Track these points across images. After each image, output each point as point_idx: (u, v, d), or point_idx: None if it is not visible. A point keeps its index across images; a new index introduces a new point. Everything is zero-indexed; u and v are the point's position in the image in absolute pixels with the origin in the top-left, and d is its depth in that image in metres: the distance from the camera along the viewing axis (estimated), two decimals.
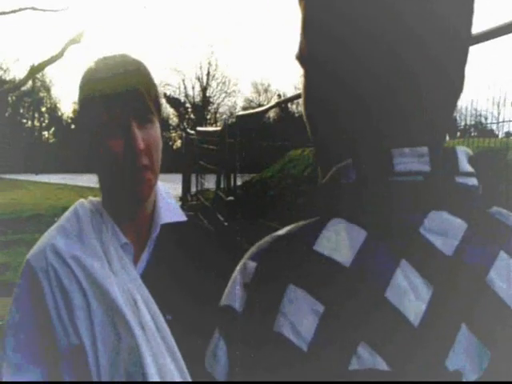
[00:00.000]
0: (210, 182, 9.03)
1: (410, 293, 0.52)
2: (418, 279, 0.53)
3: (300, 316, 0.52)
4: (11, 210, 12.62)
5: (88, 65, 1.09)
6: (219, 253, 1.23)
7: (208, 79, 45.14)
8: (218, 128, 8.67)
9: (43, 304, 1.04)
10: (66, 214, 1.14)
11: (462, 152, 0.59)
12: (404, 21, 0.56)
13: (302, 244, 0.56)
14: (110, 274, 1.03)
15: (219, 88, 45.64)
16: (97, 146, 1.05)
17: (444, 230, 0.55)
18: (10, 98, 38.84)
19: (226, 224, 5.84)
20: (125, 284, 1.03)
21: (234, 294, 0.57)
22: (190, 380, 1.01)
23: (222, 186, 7.10)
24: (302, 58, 0.66)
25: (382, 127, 0.58)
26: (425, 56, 0.57)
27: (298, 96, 5.05)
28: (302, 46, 0.65)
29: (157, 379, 0.97)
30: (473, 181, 0.58)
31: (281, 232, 0.59)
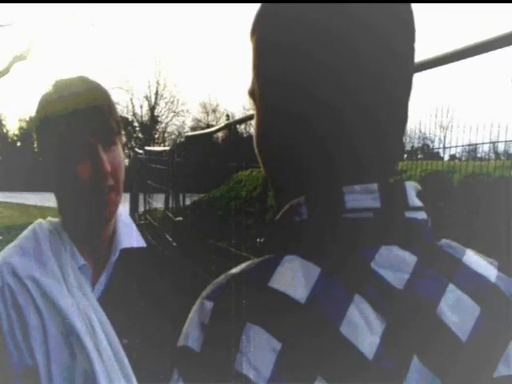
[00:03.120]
0: (158, 202, 8.95)
1: (364, 327, 0.53)
2: (372, 313, 0.54)
3: (258, 354, 0.52)
4: None
5: (46, 88, 1.08)
6: (175, 280, 1.23)
7: (156, 98, 44.84)
8: (167, 148, 8.64)
9: None
10: (25, 233, 1.13)
11: (411, 187, 0.61)
12: (356, 56, 0.57)
13: (258, 281, 0.56)
14: (67, 296, 1.02)
15: (167, 107, 45.37)
16: (60, 167, 1.04)
17: (394, 264, 0.56)
18: None
19: (174, 244, 5.81)
20: (82, 306, 1.02)
21: (191, 334, 0.57)
22: None
23: (170, 205, 7.06)
24: (253, 93, 0.67)
25: (333, 165, 0.60)
26: (377, 89, 0.58)
27: (247, 118, 5.11)
28: (255, 81, 0.66)
29: None
30: (422, 215, 0.60)
31: (235, 270, 0.59)
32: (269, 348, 0.52)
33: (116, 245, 1.13)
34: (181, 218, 5.94)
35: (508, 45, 1.76)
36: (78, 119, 1.02)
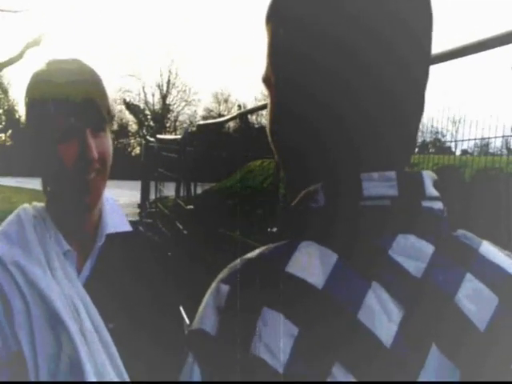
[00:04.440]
0: (169, 190, 8.96)
1: (382, 314, 0.53)
2: (390, 301, 0.54)
3: (275, 338, 0.52)
4: None
5: (39, 66, 1.07)
6: (163, 264, 1.23)
7: (168, 87, 44.83)
8: (178, 136, 8.65)
9: None
10: (9, 218, 1.11)
11: (428, 176, 0.60)
12: (379, 38, 0.57)
13: (275, 266, 0.56)
14: (51, 281, 1.01)
15: (179, 96, 45.38)
16: (46, 150, 1.03)
17: (412, 253, 0.56)
18: None
19: (185, 232, 5.84)
20: (67, 292, 1.01)
21: (206, 317, 0.56)
22: None
23: (181, 194, 7.08)
24: (268, 81, 0.66)
25: (351, 151, 0.60)
26: (399, 73, 0.58)
27: (259, 108, 5.10)
28: (270, 68, 0.65)
29: None
30: (438, 205, 0.60)
31: (252, 255, 0.59)
32: (286, 333, 0.52)
33: (102, 230, 1.13)
34: (192, 207, 5.97)
35: None
36: (69, 101, 1.01)
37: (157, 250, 1.25)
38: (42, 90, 1.03)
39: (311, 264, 0.55)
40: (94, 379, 0.96)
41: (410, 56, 0.59)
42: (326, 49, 0.58)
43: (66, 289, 1.01)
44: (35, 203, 1.14)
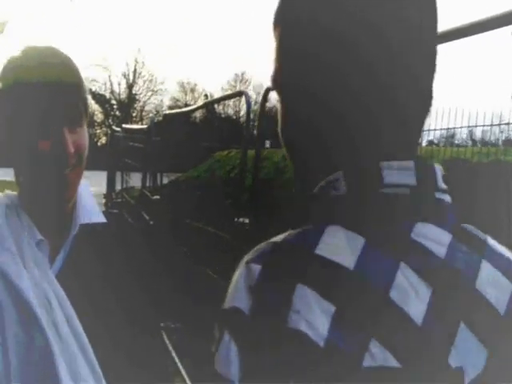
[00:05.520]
0: (135, 180, 8.91)
1: (411, 293, 0.54)
2: (418, 281, 0.55)
3: (313, 314, 0.52)
4: None
5: (14, 52, 1.03)
6: (137, 254, 1.23)
7: (134, 77, 44.40)
8: (145, 126, 8.59)
9: None
10: None
11: (439, 169, 0.63)
12: (381, 35, 0.59)
13: (303, 249, 0.57)
14: (23, 272, 0.98)
15: (145, 86, 44.99)
16: (21, 142, 1.00)
17: (433, 238, 0.58)
18: None
19: (151, 223, 5.81)
20: (39, 282, 0.99)
21: (239, 296, 0.56)
22: (102, 381, 1.00)
23: (147, 184, 7.04)
24: (277, 85, 0.68)
25: (370, 142, 0.61)
26: (403, 69, 0.60)
27: (225, 97, 5.10)
28: (278, 73, 0.67)
29: (68, 380, 0.95)
30: (448, 197, 0.63)
31: (277, 239, 0.59)
32: (322, 310, 0.52)
33: (76, 220, 1.10)
34: (158, 197, 5.94)
35: (506, 25, 1.75)
36: (46, 95, 0.98)
37: (129, 240, 1.25)
38: (17, 79, 0.99)
39: (340, 246, 0.56)
40: (65, 371, 0.95)
41: (418, 57, 0.61)
42: (333, 50, 0.60)
43: (37, 279, 0.99)
44: (7, 191, 1.11)
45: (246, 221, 3.82)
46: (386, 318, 0.53)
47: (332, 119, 0.62)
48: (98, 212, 1.18)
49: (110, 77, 47.00)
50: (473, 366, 0.55)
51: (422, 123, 0.65)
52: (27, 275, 0.98)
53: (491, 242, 0.65)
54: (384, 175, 0.59)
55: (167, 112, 7.74)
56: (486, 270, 0.60)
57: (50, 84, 0.98)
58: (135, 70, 44.21)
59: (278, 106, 0.68)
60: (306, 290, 0.53)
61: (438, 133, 3.06)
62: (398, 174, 0.60)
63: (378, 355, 0.51)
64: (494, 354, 0.56)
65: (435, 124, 2.92)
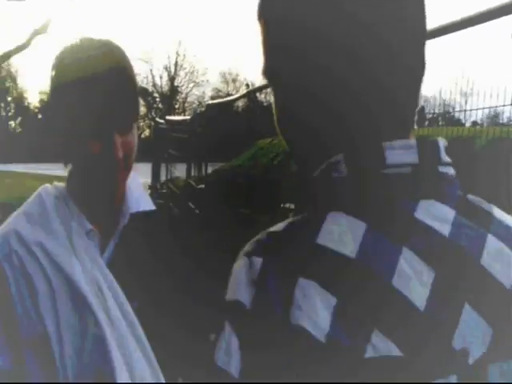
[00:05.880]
0: (179, 171, 8.99)
1: (414, 279, 0.54)
2: (420, 264, 0.55)
3: (314, 308, 0.52)
4: None
5: (69, 45, 1.04)
6: (186, 241, 1.24)
7: (176, 69, 44.70)
8: (188, 117, 8.66)
9: (7, 291, 1.00)
10: (30, 199, 1.10)
11: (442, 142, 0.62)
12: (361, 22, 0.58)
13: (304, 238, 0.57)
14: (74, 261, 1.00)
15: (187, 78, 45.22)
16: (74, 140, 1.01)
17: (436, 215, 0.58)
18: None
19: (197, 212, 5.87)
20: (90, 271, 1.01)
21: (240, 290, 0.56)
22: (157, 368, 1.01)
23: (192, 174, 7.11)
24: (266, 73, 0.68)
25: (369, 122, 0.61)
26: (384, 49, 0.59)
27: (267, 85, 5.07)
28: (265, 66, 0.67)
29: (122, 367, 0.97)
30: (451, 170, 0.62)
31: (277, 228, 0.59)
32: (324, 302, 0.52)
33: (125, 209, 1.11)
34: (203, 186, 5.99)
35: None
36: (97, 97, 0.98)
37: (180, 226, 1.26)
38: (68, 78, 0.98)
39: (341, 235, 0.56)
40: (119, 359, 0.97)
41: (399, 36, 0.60)
42: (315, 38, 0.60)
43: (89, 269, 1.01)
44: (56, 183, 1.13)
45: (292, 206, 3.82)
46: (388, 307, 0.53)
47: (324, 108, 0.61)
48: (147, 200, 1.20)
49: (151, 70, 47.49)
50: (477, 345, 0.55)
51: (414, 95, 0.63)
52: (79, 265, 1.01)
53: (497, 213, 0.64)
54: (387, 155, 0.59)
55: (210, 102, 7.78)
56: (492, 244, 0.59)
57: (103, 90, 0.98)
58: (176, 63, 44.54)
59: (272, 93, 0.68)
60: (308, 283, 0.53)
61: (480, 113, 2.99)
62: (401, 153, 0.59)
63: (380, 346, 0.51)
64: (499, 331, 0.55)
65: (477, 104, 2.86)
